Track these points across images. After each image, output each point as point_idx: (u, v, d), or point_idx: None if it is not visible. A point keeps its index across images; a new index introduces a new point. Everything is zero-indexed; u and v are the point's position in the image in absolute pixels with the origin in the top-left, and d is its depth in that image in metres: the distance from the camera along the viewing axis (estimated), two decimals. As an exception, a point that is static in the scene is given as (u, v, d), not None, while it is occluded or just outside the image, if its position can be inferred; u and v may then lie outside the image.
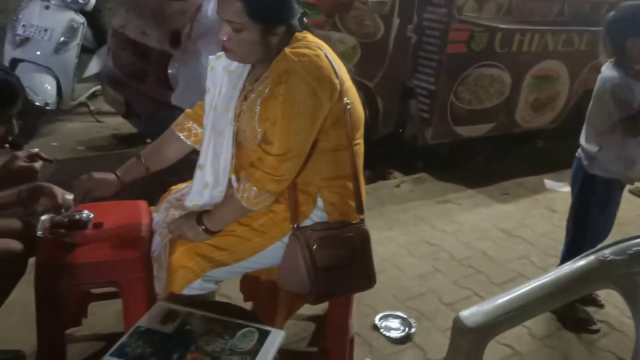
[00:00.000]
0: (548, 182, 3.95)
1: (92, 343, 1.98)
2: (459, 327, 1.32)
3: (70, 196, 1.67)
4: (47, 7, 3.94)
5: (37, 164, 1.65)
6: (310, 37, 1.63)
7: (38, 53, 3.83)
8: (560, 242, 2.58)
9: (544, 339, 2.30)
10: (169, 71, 3.07)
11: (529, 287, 1.38)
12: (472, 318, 1.30)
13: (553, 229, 3.25)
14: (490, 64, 3.78)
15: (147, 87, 3.24)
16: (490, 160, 4.27)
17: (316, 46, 1.58)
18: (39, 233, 1.58)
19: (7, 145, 1.64)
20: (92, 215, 1.69)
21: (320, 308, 2.18)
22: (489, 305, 1.35)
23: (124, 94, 3.43)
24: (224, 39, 1.53)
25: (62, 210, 1.63)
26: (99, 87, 4.26)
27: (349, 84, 1.65)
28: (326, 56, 1.57)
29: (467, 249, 2.97)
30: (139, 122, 3.46)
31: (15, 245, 1.64)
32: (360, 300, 2.18)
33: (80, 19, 4.05)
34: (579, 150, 2.33)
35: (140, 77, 3.32)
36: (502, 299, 1.39)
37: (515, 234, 3.20)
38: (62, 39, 3.91)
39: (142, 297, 1.64)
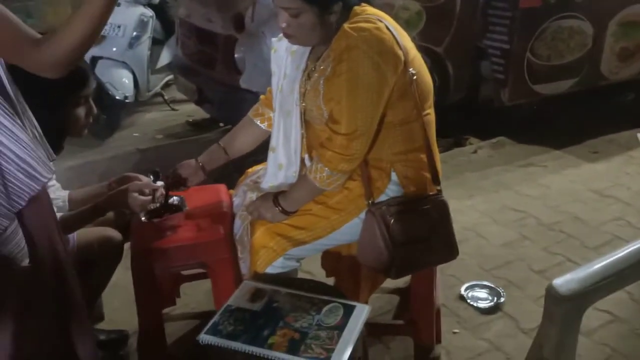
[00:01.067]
0: (642, 137, 3.68)
1: (187, 321, 2.09)
2: (552, 296, 1.26)
3: (159, 183, 1.74)
4: (118, 4, 4.07)
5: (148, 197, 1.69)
6: (369, 9, 1.59)
7: (114, 49, 4.00)
8: (659, 200, 2.42)
9: (647, 303, 2.16)
10: (236, 55, 3.12)
11: (629, 249, 1.30)
12: (566, 286, 1.24)
13: (651, 186, 3.03)
14: (568, 15, 3.55)
15: (216, 73, 3.31)
16: (575, 118, 4.01)
17: (376, 18, 1.54)
18: (143, 218, 1.66)
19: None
20: (184, 200, 1.76)
21: (403, 281, 2.17)
22: (584, 272, 1.29)
23: (195, 81, 3.53)
24: (283, 25, 1.53)
25: (154, 198, 1.70)
26: (171, 76, 4.40)
27: (413, 53, 1.61)
28: (387, 28, 1.53)
29: (556, 213, 2.83)
30: (211, 108, 3.55)
31: (113, 233, 1.75)
32: (443, 271, 2.14)
33: (149, 12, 4.18)
34: None
35: (209, 63, 3.39)
36: (599, 264, 1.32)
37: (608, 194, 3.00)
38: (134, 33, 4.06)
39: (230, 277, 1.69)
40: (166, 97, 4.53)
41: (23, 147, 1.13)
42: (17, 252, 1.17)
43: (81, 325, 1.35)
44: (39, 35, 1.08)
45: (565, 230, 2.68)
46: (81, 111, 1.62)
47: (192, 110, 4.38)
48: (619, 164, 3.36)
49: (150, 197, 1.66)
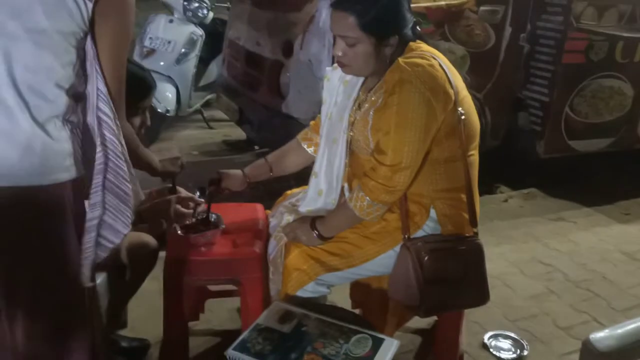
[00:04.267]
0: (675, 203, 3.62)
1: (208, 337, 2.09)
2: (589, 351, 1.24)
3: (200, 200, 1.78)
4: (171, 21, 4.24)
5: (189, 210, 1.74)
6: (424, 46, 1.63)
7: (162, 63, 4.11)
8: (691, 269, 2.37)
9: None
10: (281, 80, 3.19)
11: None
12: (604, 342, 1.22)
13: (682, 254, 2.98)
14: (610, 74, 3.56)
15: (259, 96, 3.38)
16: (609, 177, 3.98)
17: (430, 55, 1.58)
18: (179, 232, 1.69)
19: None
20: (221, 218, 1.78)
21: (427, 322, 2.15)
22: (622, 330, 1.27)
23: (238, 102, 3.60)
24: (339, 54, 1.57)
25: (195, 212, 1.72)
26: (212, 95, 4.50)
27: (464, 93, 1.63)
28: (440, 65, 1.57)
29: (584, 270, 2.79)
30: (251, 129, 3.61)
31: (149, 239, 1.77)
32: (468, 317, 2.11)
33: (200, 31, 4.31)
34: None
35: (253, 85, 3.47)
36: (637, 323, 1.30)
37: (638, 257, 2.95)
38: (183, 50, 4.19)
39: (260, 296, 1.71)
40: (205, 115, 4.62)
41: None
42: None
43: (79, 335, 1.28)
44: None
45: (592, 289, 2.63)
46: (136, 121, 1.66)
47: (229, 131, 4.48)
48: (650, 227, 3.32)
49: (191, 211, 1.69)
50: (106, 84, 1.18)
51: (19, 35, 1.08)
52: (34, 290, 1.18)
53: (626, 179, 3.94)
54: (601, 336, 1.25)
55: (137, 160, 1.48)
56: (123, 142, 1.21)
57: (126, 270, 1.76)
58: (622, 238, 3.16)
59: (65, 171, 1.15)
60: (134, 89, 1.44)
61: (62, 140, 1.14)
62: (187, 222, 1.72)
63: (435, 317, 2.05)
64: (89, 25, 1.15)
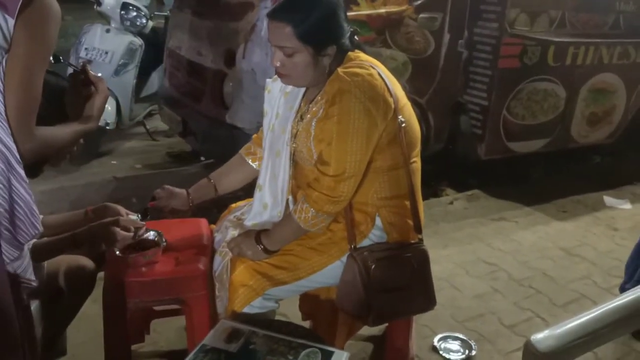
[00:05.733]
0: (608, 199, 3.80)
1: (155, 359, 2.02)
2: (531, 352, 1.27)
3: (133, 216, 1.71)
4: (107, 31, 4.12)
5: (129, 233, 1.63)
6: (362, 56, 1.64)
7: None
8: (624, 262, 2.48)
9: (612, 364, 2.20)
10: (224, 90, 3.14)
11: (604, 308, 1.32)
12: (544, 342, 1.26)
13: (616, 248, 3.12)
14: (543, 78, 3.70)
15: (202, 106, 3.33)
16: (545, 177, 4.15)
17: (369, 65, 1.59)
18: (117, 252, 1.62)
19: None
20: (162, 236, 1.72)
21: (378, 329, 2.16)
22: (561, 329, 1.30)
23: (181, 113, 3.53)
24: (277, 64, 1.56)
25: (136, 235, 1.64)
26: (154, 106, 4.40)
27: (403, 101, 1.65)
28: (379, 75, 1.58)
29: (526, 268, 2.89)
30: (195, 141, 3.54)
31: (86, 262, 1.69)
32: (417, 320, 2.14)
33: (139, 41, 4.20)
34: None
35: (196, 96, 3.41)
36: (575, 322, 1.34)
37: (575, 253, 3.08)
38: (121, 61, 4.07)
39: (206, 315, 1.66)
40: (148, 127, 4.51)
41: (29, 193, 1.16)
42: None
43: None
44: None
45: (534, 286, 2.72)
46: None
47: (173, 142, 4.38)
48: (586, 223, 3.46)
49: (131, 235, 1.62)
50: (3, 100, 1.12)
51: None
52: None
53: (561, 178, 4.12)
54: (541, 337, 1.27)
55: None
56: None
57: (63, 295, 1.68)
58: (559, 235, 3.29)
59: None
60: (56, 103, 1.37)
61: None
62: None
63: (385, 324, 2.07)
64: (10, 43, 1.09)
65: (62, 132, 1.29)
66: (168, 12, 4.45)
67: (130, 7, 4.20)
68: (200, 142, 3.43)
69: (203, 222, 1.94)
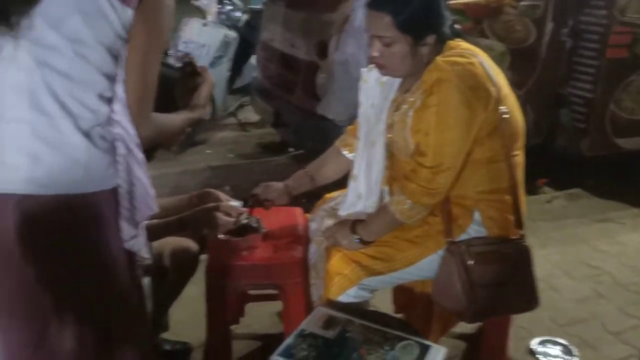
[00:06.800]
0: None
1: (249, 341, 2.08)
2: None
3: (235, 202, 1.76)
4: (204, 25, 4.28)
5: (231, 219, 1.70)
6: (463, 44, 1.59)
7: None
8: None
9: None
10: (317, 82, 3.16)
11: None
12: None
13: None
14: (656, 69, 3.42)
15: (294, 98, 3.37)
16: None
17: (470, 53, 1.54)
18: (221, 236, 1.68)
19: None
20: (261, 222, 1.76)
21: (472, 327, 2.10)
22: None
23: (273, 104, 3.60)
24: (375, 55, 1.54)
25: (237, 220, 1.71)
26: (246, 98, 4.52)
27: (506, 91, 1.59)
28: (481, 63, 1.53)
29: (633, 272, 2.69)
30: (286, 131, 3.60)
31: (191, 244, 1.77)
32: (514, 321, 2.05)
33: (233, 34, 4.33)
34: None
35: (288, 87, 3.46)
36: None
37: (690, 259, 2.83)
38: (216, 54, 4.22)
39: (301, 301, 1.69)
40: (239, 118, 4.64)
41: (146, 176, 1.22)
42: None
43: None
44: None
45: (642, 292, 2.54)
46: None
47: (263, 133, 4.48)
48: (703, 228, 3.17)
49: (233, 220, 1.68)
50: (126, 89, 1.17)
51: (58, 45, 1.08)
52: (80, 294, 1.18)
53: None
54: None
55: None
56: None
57: (168, 275, 1.77)
58: (673, 239, 3.03)
59: (107, 179, 1.15)
60: (168, 89, 1.43)
61: (105, 150, 1.14)
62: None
63: (480, 323, 2.01)
64: (127, 34, 1.14)
65: (175, 119, 1.35)
66: (262, 5, 4.55)
67: (226, 1, 4.34)
68: (292, 133, 3.48)
69: (298, 210, 1.97)
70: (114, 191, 1.17)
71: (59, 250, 1.15)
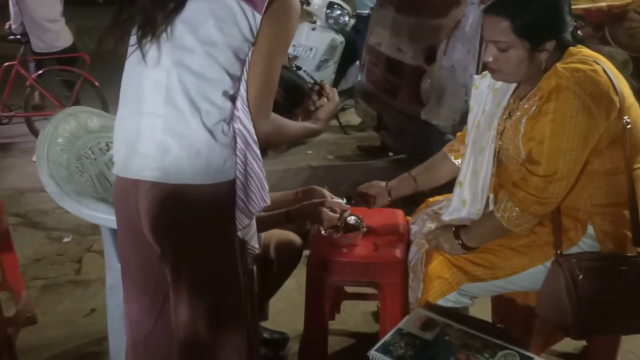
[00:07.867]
0: None
1: (344, 338, 2.13)
2: None
3: (338, 200, 1.82)
4: (313, 29, 4.41)
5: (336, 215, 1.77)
6: (586, 51, 1.53)
7: (303, 69, 4.29)
8: None
9: None
10: (421, 87, 3.15)
11: None
12: None
13: None
14: None
15: (398, 102, 3.38)
16: None
17: (593, 60, 1.48)
18: (324, 232, 1.75)
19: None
20: (362, 221, 1.80)
21: (574, 346, 2.00)
22: None
23: (376, 108, 3.63)
24: (490, 59, 1.53)
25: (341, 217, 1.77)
26: (348, 101, 4.59)
27: (630, 101, 1.52)
28: (604, 71, 1.46)
29: None
30: (389, 135, 3.61)
31: (295, 237, 1.86)
32: (621, 344, 1.93)
33: (340, 38, 4.43)
34: None
35: (392, 92, 3.47)
36: None
37: None
38: (323, 57, 4.34)
39: (399, 301, 1.71)
40: (341, 121, 4.73)
41: (262, 170, 1.30)
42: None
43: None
44: None
45: None
46: None
47: (363, 137, 4.53)
48: None
49: (338, 216, 1.74)
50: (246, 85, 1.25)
51: (194, 47, 1.19)
52: (197, 273, 1.29)
53: None
54: None
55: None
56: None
57: (272, 265, 1.86)
58: None
59: (226, 172, 1.24)
60: (291, 95, 1.51)
61: (226, 144, 1.23)
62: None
63: (584, 343, 1.91)
64: (255, 37, 1.22)
65: (294, 124, 1.43)
66: (369, 10, 4.61)
67: (335, 6, 4.44)
68: (394, 137, 3.49)
69: (399, 212, 1.99)
70: (232, 182, 1.26)
71: (180, 233, 1.26)
